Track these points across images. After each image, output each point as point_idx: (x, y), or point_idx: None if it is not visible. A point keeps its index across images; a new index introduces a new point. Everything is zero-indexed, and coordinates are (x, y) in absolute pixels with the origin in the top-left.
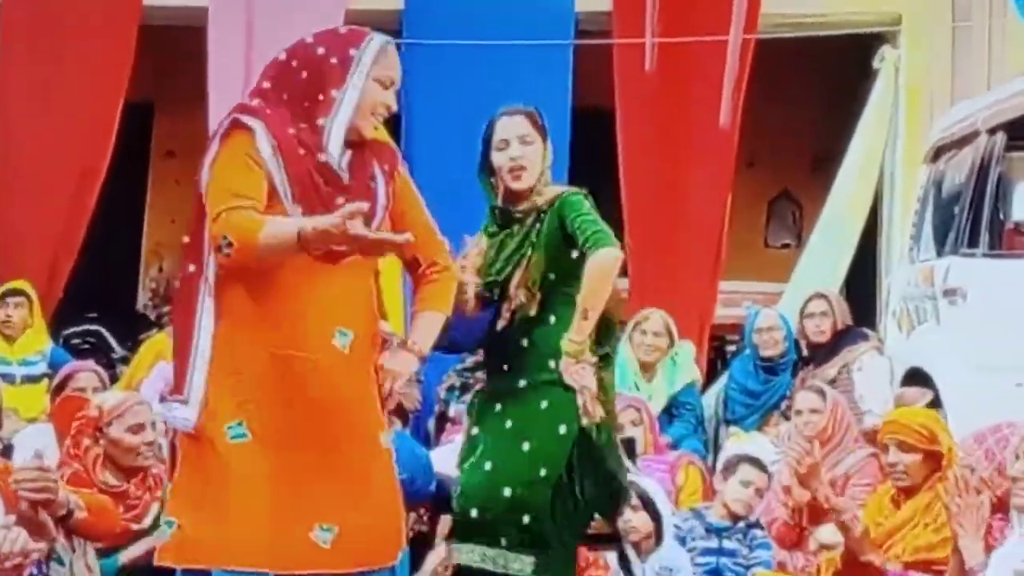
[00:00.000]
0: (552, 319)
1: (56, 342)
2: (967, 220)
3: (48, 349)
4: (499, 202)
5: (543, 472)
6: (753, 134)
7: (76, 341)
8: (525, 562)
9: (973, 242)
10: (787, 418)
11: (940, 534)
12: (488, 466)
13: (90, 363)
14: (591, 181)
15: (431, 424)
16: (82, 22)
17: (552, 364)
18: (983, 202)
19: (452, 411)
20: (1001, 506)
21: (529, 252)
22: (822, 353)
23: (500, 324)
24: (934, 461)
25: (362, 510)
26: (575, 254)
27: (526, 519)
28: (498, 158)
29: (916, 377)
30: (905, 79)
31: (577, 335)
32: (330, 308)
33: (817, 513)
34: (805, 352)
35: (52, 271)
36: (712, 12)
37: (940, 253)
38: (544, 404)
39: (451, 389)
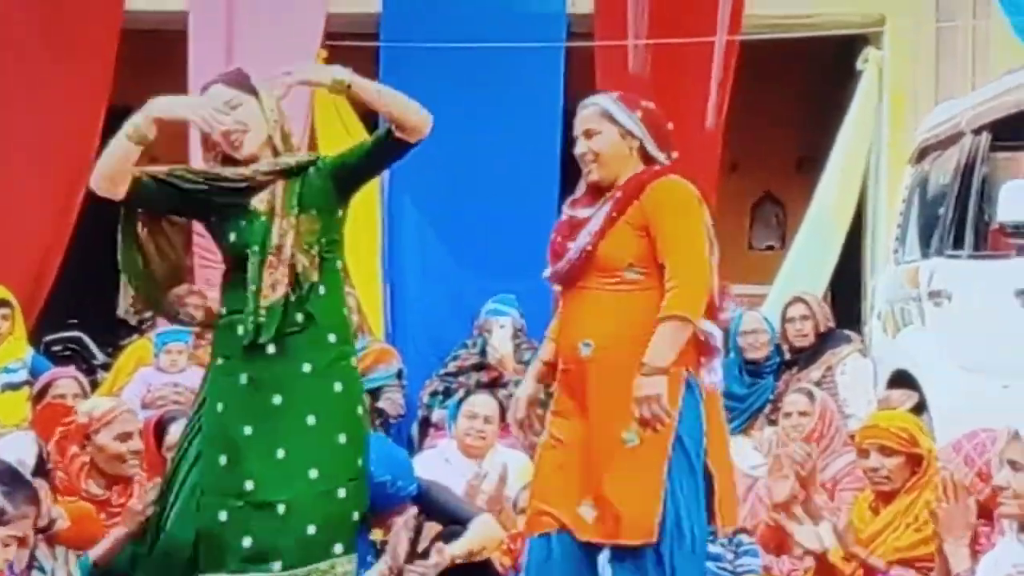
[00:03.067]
0: (323, 289)
1: (37, 349)
2: (952, 221)
3: (29, 356)
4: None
5: (359, 462)
6: (737, 136)
7: (57, 348)
8: (354, 563)
9: (958, 243)
10: (772, 422)
11: (921, 533)
12: (313, 473)
13: (71, 370)
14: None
15: (414, 429)
16: (65, 27)
17: (332, 338)
18: (968, 203)
19: (435, 416)
20: (983, 512)
21: (295, 214)
22: (805, 356)
23: (269, 295)
24: (915, 463)
25: (609, 493)
26: (340, 213)
27: (355, 518)
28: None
29: (901, 379)
30: (889, 80)
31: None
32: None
33: (809, 515)
34: (787, 356)
35: (37, 278)
36: (697, 13)
37: (925, 254)
38: (338, 387)
39: (434, 394)
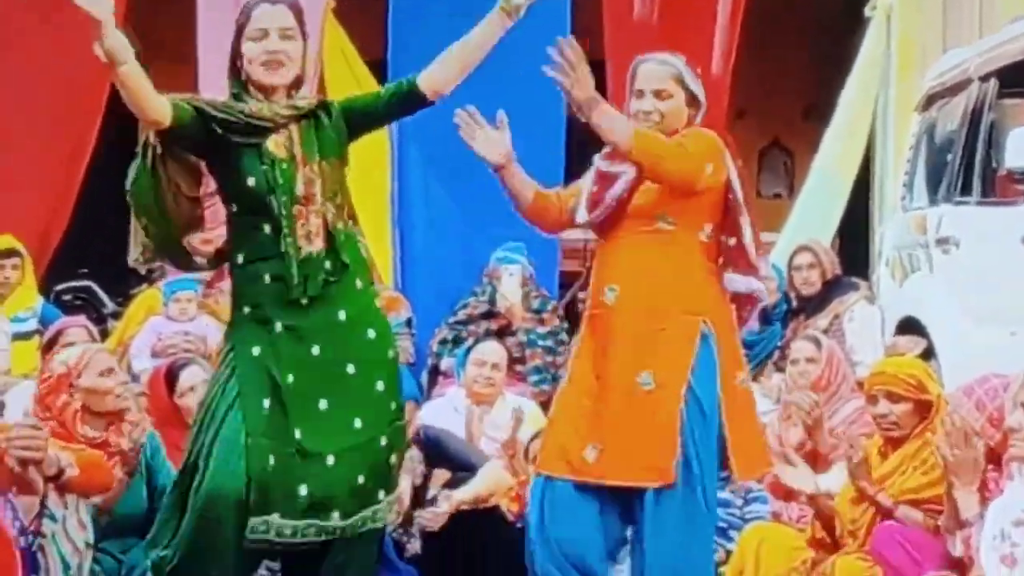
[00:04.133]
0: (343, 236)
1: (47, 298)
2: (960, 168)
3: (39, 306)
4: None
5: (394, 406)
6: (743, 84)
7: (67, 297)
8: (394, 508)
9: (966, 190)
10: (780, 369)
11: (928, 476)
12: (358, 423)
13: (81, 318)
14: (589, 132)
15: (423, 377)
16: None
17: (359, 284)
18: (976, 150)
19: (444, 364)
20: (992, 457)
21: (317, 161)
22: (812, 304)
23: (305, 246)
24: (923, 409)
25: (621, 436)
26: (347, 160)
27: (394, 462)
28: (251, 48)
29: (909, 326)
30: (897, 27)
31: None
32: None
33: (817, 460)
34: (795, 304)
35: (47, 227)
36: None
37: (933, 201)
38: (372, 334)
39: (443, 342)
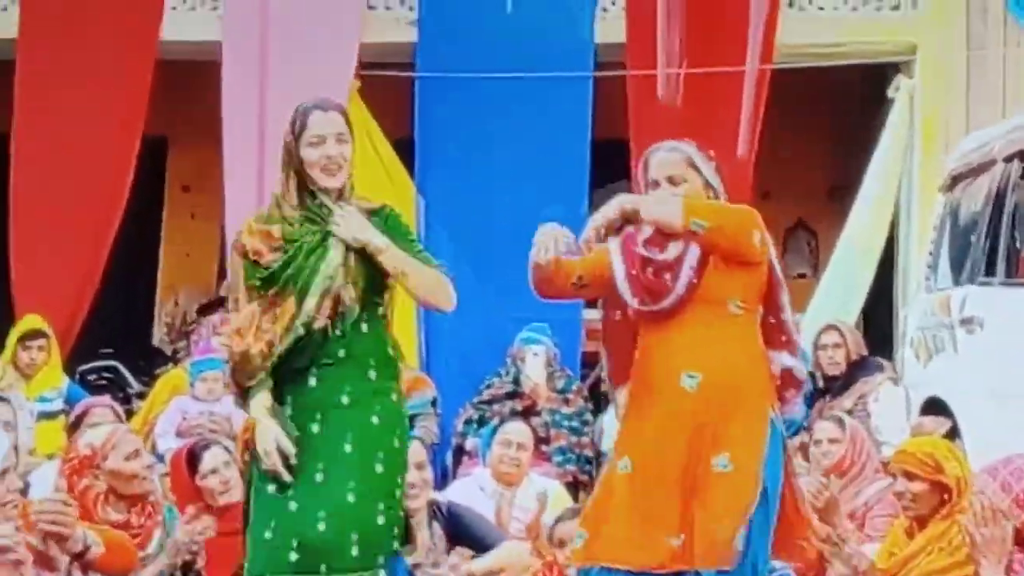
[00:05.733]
0: (365, 327)
1: (72, 378)
2: (984, 248)
3: (64, 386)
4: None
5: (397, 493)
6: (768, 164)
7: (92, 377)
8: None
9: (990, 270)
10: (804, 449)
11: (954, 556)
12: (351, 497)
13: (106, 399)
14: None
15: (448, 457)
16: (99, 58)
17: (373, 374)
18: (1000, 230)
19: (469, 444)
20: (1018, 538)
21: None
22: (838, 384)
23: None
24: (942, 490)
25: (701, 521)
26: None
27: (395, 544)
28: (311, 153)
29: (934, 406)
30: (920, 108)
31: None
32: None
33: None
34: (820, 384)
35: (73, 308)
36: (728, 43)
37: (957, 282)
38: (375, 420)
39: (468, 422)
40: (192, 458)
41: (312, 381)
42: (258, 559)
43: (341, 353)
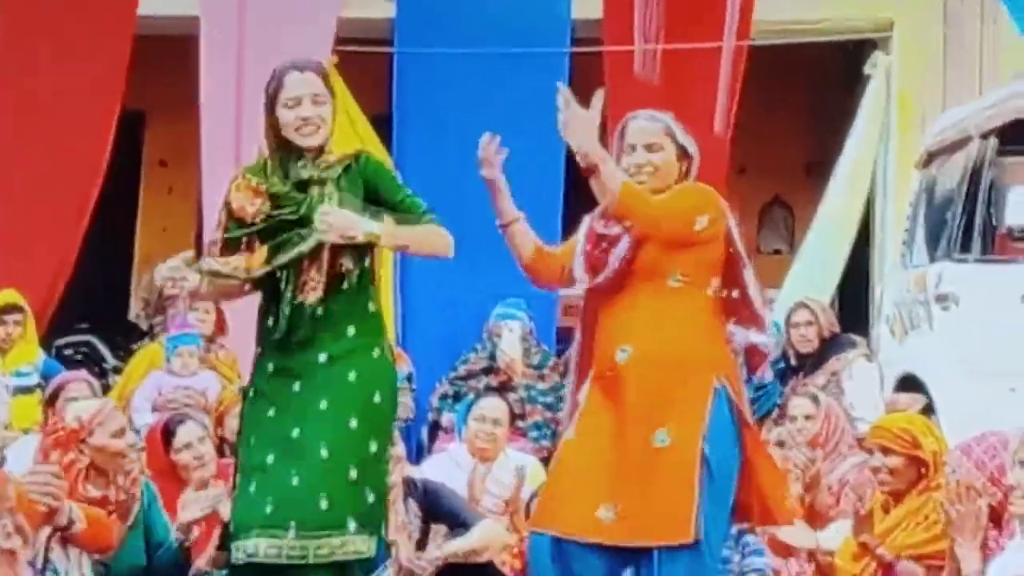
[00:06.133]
0: (344, 284)
1: (48, 353)
2: (959, 225)
3: (40, 360)
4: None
5: (374, 448)
6: (745, 140)
7: (68, 352)
8: (369, 544)
9: (966, 247)
10: (779, 426)
11: (930, 531)
12: (324, 452)
13: (82, 373)
14: (587, 187)
15: (424, 433)
16: (78, 33)
17: (351, 331)
18: (975, 207)
19: (444, 420)
20: (992, 516)
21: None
22: (810, 362)
23: (302, 297)
24: (920, 464)
25: (638, 495)
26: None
27: (370, 499)
28: (286, 115)
29: (909, 383)
30: (897, 85)
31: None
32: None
33: (815, 517)
34: (793, 362)
35: (50, 282)
36: (705, 18)
37: (933, 259)
38: (352, 376)
39: (443, 397)
40: (167, 433)
41: (292, 342)
42: (238, 510)
43: (319, 311)
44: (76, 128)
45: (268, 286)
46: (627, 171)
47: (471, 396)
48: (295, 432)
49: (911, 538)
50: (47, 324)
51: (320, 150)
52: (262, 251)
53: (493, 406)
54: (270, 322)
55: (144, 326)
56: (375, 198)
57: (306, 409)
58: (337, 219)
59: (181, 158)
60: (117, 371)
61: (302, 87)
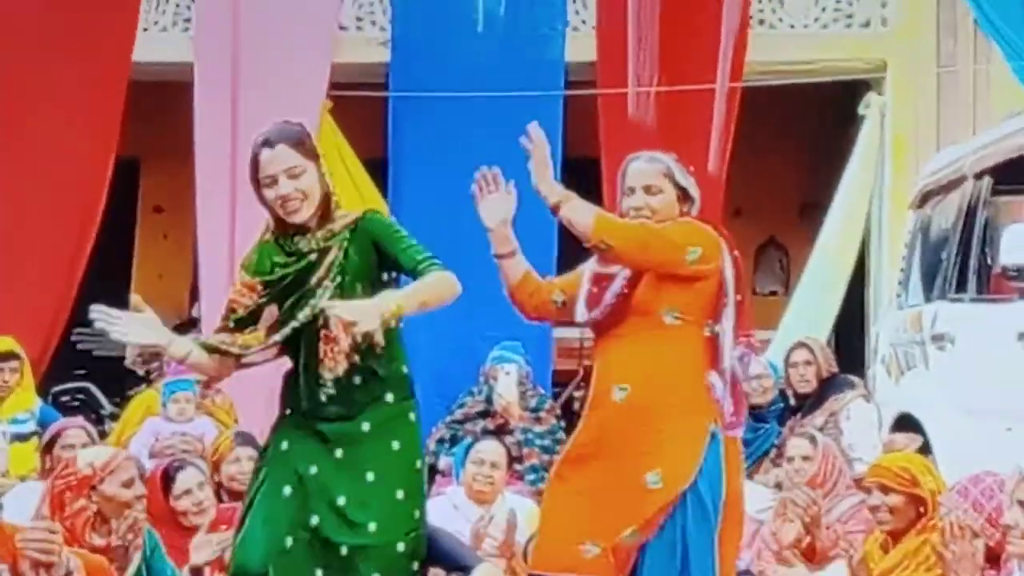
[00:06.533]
0: (378, 350)
1: (45, 400)
2: (955, 265)
3: (37, 407)
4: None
5: (416, 515)
6: (740, 182)
7: (65, 398)
8: None
9: (961, 287)
10: (777, 466)
11: (931, 572)
12: (372, 527)
13: (79, 420)
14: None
15: None
16: (73, 80)
17: (390, 398)
18: (970, 247)
19: (442, 463)
20: (990, 556)
21: (341, 279)
22: (809, 402)
23: (333, 366)
24: (919, 504)
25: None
26: (385, 277)
27: (414, 567)
28: (268, 194)
29: (906, 423)
30: (891, 125)
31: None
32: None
33: (813, 557)
34: (792, 401)
35: (47, 330)
36: (699, 60)
37: (928, 298)
38: (396, 446)
39: (441, 441)
40: (166, 479)
41: (329, 409)
42: (254, 545)
43: (357, 380)
44: (72, 175)
45: (295, 352)
46: (626, 214)
47: (468, 439)
48: (341, 500)
49: None
50: (44, 371)
51: (323, 217)
52: (258, 334)
53: (491, 449)
54: (301, 389)
55: (140, 372)
56: (379, 252)
57: (352, 479)
58: (353, 313)
59: (176, 204)
60: (114, 418)
61: (274, 165)
